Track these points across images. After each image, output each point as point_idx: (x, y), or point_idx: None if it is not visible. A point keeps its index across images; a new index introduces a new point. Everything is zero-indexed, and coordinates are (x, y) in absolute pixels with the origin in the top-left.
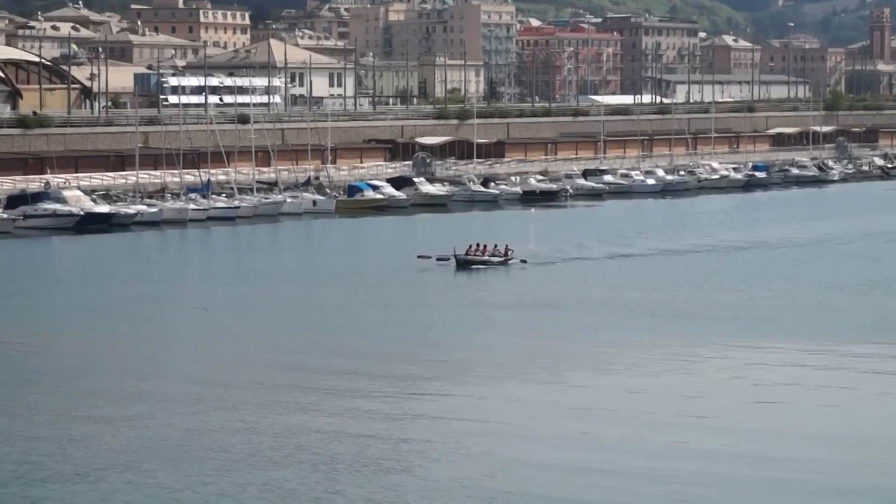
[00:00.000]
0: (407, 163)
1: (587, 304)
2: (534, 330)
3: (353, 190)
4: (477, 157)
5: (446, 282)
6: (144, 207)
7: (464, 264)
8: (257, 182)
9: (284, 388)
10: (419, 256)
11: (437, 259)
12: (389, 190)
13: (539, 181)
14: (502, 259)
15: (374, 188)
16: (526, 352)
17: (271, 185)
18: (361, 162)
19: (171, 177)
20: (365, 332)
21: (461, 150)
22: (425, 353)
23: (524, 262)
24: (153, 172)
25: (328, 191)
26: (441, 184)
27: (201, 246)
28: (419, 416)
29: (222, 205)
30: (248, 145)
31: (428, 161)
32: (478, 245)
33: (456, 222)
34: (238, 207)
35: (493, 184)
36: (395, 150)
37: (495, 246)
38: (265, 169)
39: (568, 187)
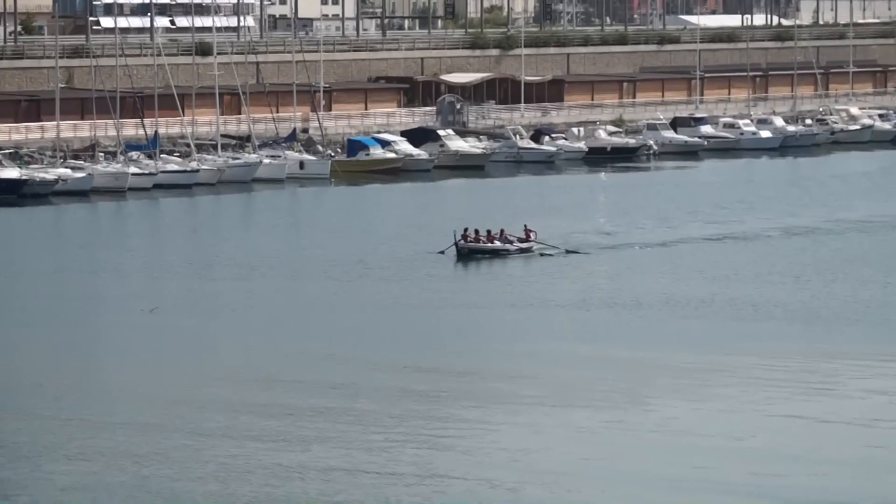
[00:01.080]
0: (430, 109)
1: (677, 303)
2: (606, 337)
3: (354, 147)
4: (525, 102)
5: (478, 274)
6: (68, 172)
7: (466, 254)
8: (223, 137)
9: (262, 415)
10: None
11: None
12: (405, 147)
13: (611, 134)
14: (519, 247)
15: (384, 145)
16: (598, 368)
17: (242, 141)
18: (366, 109)
19: (104, 129)
20: (372, 341)
21: (503, 91)
22: (458, 367)
23: (547, 254)
24: (80, 123)
25: (320, 148)
26: (476, 138)
27: (146, 224)
28: (456, 455)
29: (175, 168)
30: (209, 86)
31: (458, 107)
32: (476, 232)
33: (496, 191)
34: (196, 171)
35: (547, 138)
36: (413, 91)
37: (501, 232)
38: (234, 118)
39: (651, 142)
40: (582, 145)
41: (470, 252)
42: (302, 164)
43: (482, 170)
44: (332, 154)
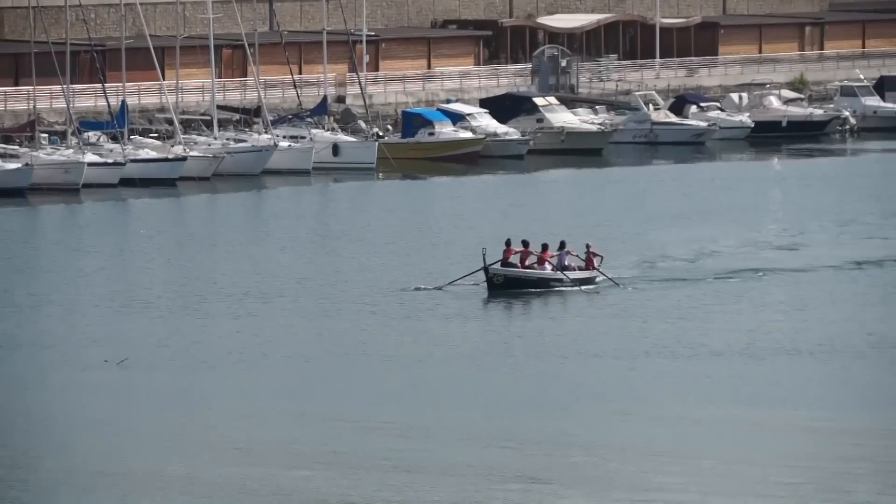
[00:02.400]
0: (522, 68)
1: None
2: (722, 393)
3: (412, 123)
4: (662, 56)
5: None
6: None
7: (503, 284)
8: (221, 110)
9: None
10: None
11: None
12: (486, 122)
13: (787, 102)
14: (580, 277)
15: (456, 120)
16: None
17: (248, 116)
18: (429, 67)
19: (48, 100)
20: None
21: (629, 41)
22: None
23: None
24: (12, 91)
25: (363, 126)
26: (590, 109)
27: (109, 237)
28: None
29: (151, 156)
30: (201, 35)
31: (563, 64)
32: (526, 245)
33: (617, 187)
34: (182, 160)
35: (693, 108)
36: (498, 42)
37: (549, 248)
38: (236, 83)
39: (847, 113)
40: (745, 118)
41: (506, 282)
42: (336, 149)
43: (599, 155)
44: (381, 134)
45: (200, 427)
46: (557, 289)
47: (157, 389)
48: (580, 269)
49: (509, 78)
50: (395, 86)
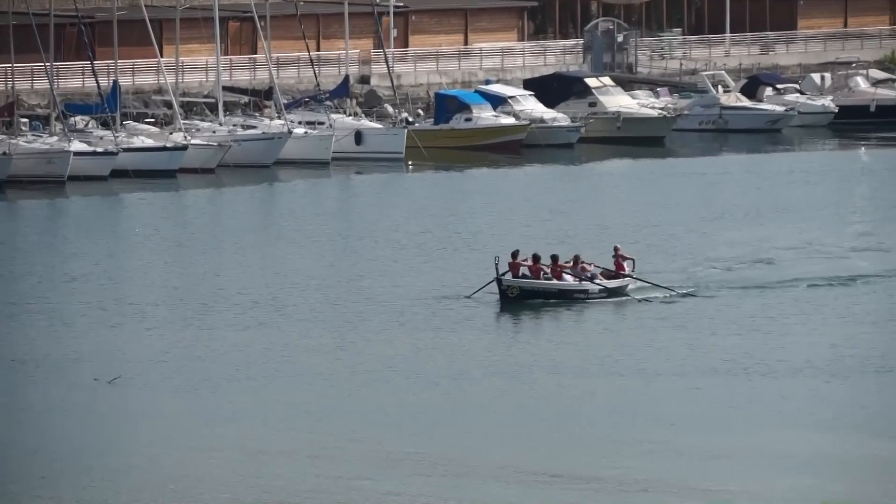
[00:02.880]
0: (572, 43)
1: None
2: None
3: (446, 107)
4: (732, 31)
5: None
6: None
7: (518, 295)
8: (228, 92)
9: None
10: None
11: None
12: (532, 106)
13: (877, 84)
14: (611, 287)
15: (497, 103)
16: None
17: (258, 99)
18: (466, 43)
19: (29, 79)
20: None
21: (695, 13)
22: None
23: (645, 299)
24: None
25: (390, 110)
26: (650, 91)
27: (101, 236)
28: None
29: (147, 144)
30: (204, 6)
31: (619, 40)
32: (535, 259)
33: (680, 181)
34: (183, 149)
35: (769, 91)
36: (544, 13)
37: (575, 261)
38: (244, 61)
39: None
40: (827, 102)
41: (522, 294)
42: (359, 137)
43: (660, 144)
44: (410, 120)
45: (203, 458)
46: (583, 300)
47: (154, 412)
48: (609, 273)
49: (558, 55)
50: (427, 64)
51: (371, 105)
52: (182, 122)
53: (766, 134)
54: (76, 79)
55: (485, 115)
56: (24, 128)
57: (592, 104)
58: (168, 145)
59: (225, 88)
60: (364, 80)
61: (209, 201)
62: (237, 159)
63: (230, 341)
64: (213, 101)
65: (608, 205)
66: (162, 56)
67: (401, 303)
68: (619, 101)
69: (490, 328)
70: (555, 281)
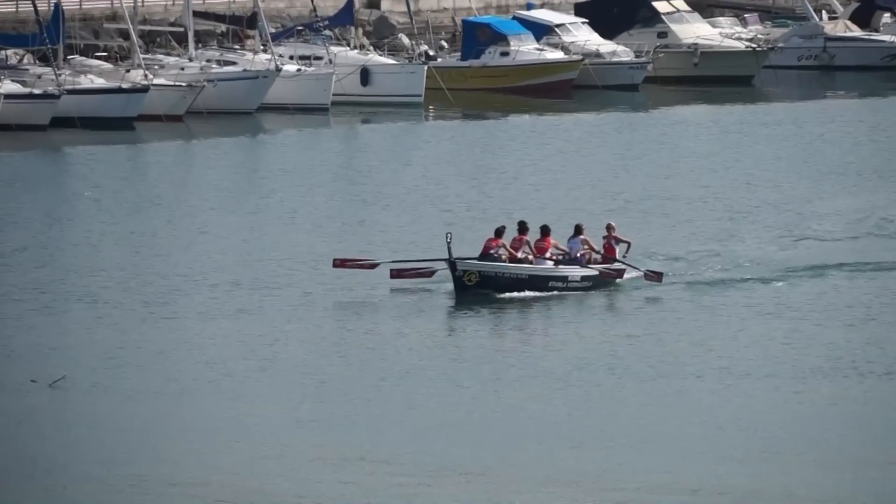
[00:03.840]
0: None
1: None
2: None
3: (475, 38)
4: None
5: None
6: None
7: (477, 283)
8: (199, 18)
9: None
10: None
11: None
12: (584, 36)
13: None
14: (592, 275)
15: (540, 33)
16: None
17: (239, 28)
18: None
19: None
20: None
21: None
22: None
23: (650, 273)
24: None
25: (405, 41)
26: (735, 17)
27: (40, 200)
28: None
29: (98, 85)
30: None
31: None
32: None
33: (778, 131)
34: (143, 91)
35: (886, 17)
36: None
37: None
38: None
39: None
40: None
41: (482, 282)
42: (366, 76)
43: (749, 84)
44: (432, 54)
45: (160, 474)
46: (558, 292)
47: (105, 420)
48: (597, 262)
49: None
50: None
51: (381, 35)
52: (142, 56)
53: (882, 72)
54: (8, 2)
55: (525, 49)
56: None
57: (662, 34)
58: (124, 86)
59: (196, 14)
60: (373, 3)
61: (176, 157)
62: (211, 104)
63: (199, 333)
64: (180, 30)
65: (682, 162)
66: None
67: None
68: (695, 31)
69: (431, 325)
70: (526, 265)
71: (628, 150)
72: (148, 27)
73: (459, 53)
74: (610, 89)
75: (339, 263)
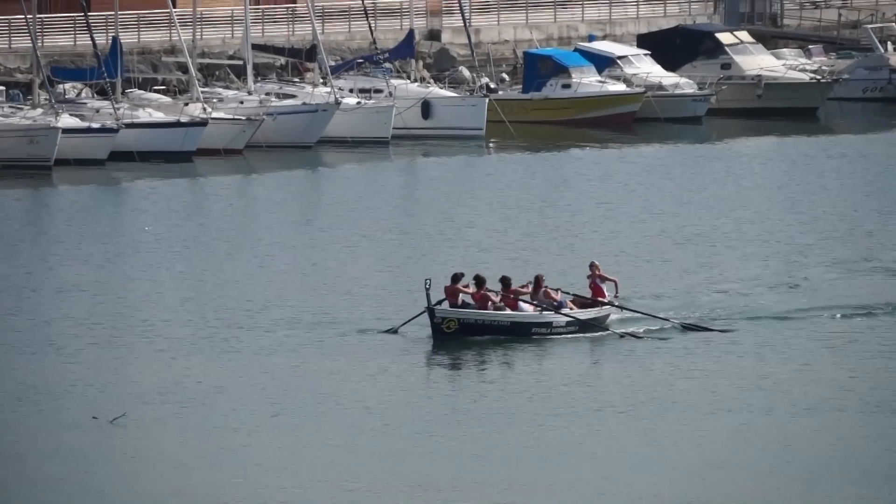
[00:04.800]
0: None
1: None
2: None
3: (537, 71)
4: None
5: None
6: None
7: (457, 330)
8: (257, 51)
9: None
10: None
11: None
12: (647, 68)
13: None
14: (571, 318)
15: (603, 65)
16: None
17: (299, 61)
18: None
19: (6, 39)
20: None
21: None
22: None
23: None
24: None
25: (466, 74)
26: (799, 48)
27: (98, 235)
28: None
29: (157, 117)
30: None
31: None
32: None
33: (843, 164)
34: (203, 124)
35: None
36: None
37: (536, 283)
38: (280, 12)
39: None
40: None
41: (462, 329)
42: (427, 108)
43: (813, 116)
44: (493, 86)
45: None
46: (545, 335)
47: (166, 457)
48: (585, 305)
49: (681, 4)
50: (514, 15)
51: (442, 68)
52: (201, 90)
53: None
54: (66, 35)
55: (587, 81)
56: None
57: (725, 66)
58: (183, 120)
59: (255, 47)
60: (433, 35)
61: (235, 191)
62: (271, 137)
63: (260, 368)
64: (240, 62)
65: (746, 195)
66: (175, 6)
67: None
68: (759, 62)
69: (410, 375)
70: (508, 311)
71: (692, 183)
72: (206, 60)
73: (521, 86)
74: (672, 122)
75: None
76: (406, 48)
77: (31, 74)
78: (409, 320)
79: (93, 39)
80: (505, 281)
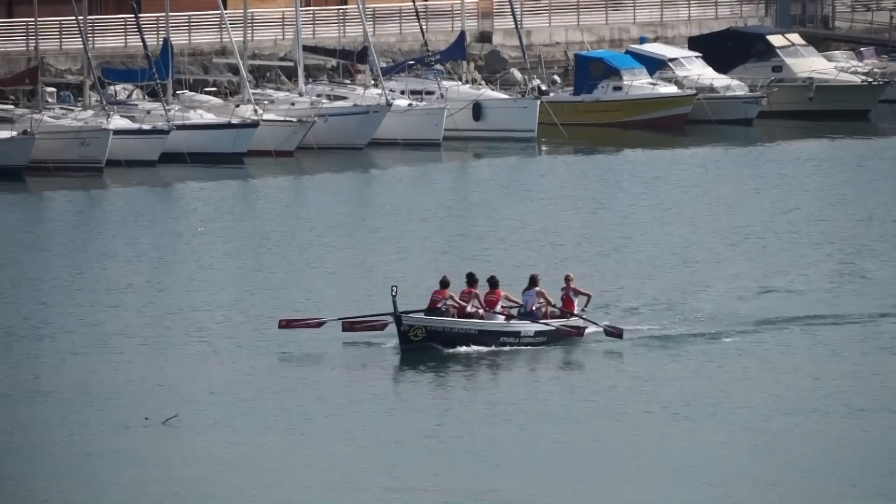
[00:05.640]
0: None
1: None
2: None
3: (588, 73)
4: None
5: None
6: None
7: (424, 338)
8: (308, 53)
9: None
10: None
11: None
12: (698, 71)
13: None
14: (540, 328)
15: (654, 67)
16: None
17: (349, 62)
18: None
19: (57, 40)
20: None
21: None
22: None
23: (610, 329)
24: (6, 25)
25: (517, 76)
26: (851, 51)
27: (149, 236)
28: None
29: (207, 119)
30: None
31: None
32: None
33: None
34: (254, 126)
35: None
36: None
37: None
38: (330, 14)
39: None
40: None
41: (429, 337)
42: (479, 110)
43: (865, 119)
44: (544, 88)
45: None
46: (510, 347)
47: (218, 458)
48: (554, 315)
49: (732, 6)
50: (565, 17)
51: (493, 70)
52: (252, 91)
53: None
54: (117, 37)
55: (639, 83)
56: (50, 100)
57: (777, 68)
58: (234, 122)
59: (306, 49)
60: (484, 37)
61: (286, 193)
62: (322, 139)
63: (311, 369)
64: (290, 64)
65: (798, 197)
66: (226, 7)
67: None
68: (810, 65)
69: (374, 383)
70: (476, 320)
71: (744, 186)
72: (257, 62)
73: (572, 88)
74: (724, 124)
75: (285, 324)
76: (457, 50)
77: (81, 76)
78: (371, 317)
79: (143, 41)
80: (492, 281)
